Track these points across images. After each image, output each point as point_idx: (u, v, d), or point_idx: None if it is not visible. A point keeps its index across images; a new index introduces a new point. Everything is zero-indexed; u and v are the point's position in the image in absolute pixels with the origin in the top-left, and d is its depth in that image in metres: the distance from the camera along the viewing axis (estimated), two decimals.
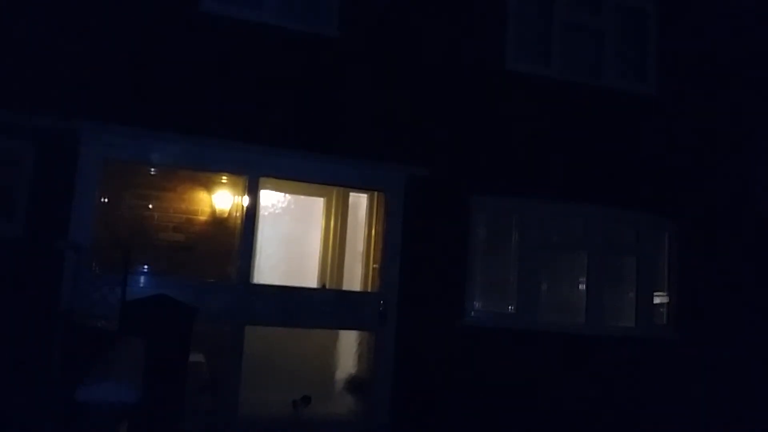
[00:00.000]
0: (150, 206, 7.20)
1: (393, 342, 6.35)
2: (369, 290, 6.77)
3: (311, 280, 7.94)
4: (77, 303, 5.23)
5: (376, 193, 6.90)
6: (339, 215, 7.92)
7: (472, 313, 6.75)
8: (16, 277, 5.36)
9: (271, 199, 8.04)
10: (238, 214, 6.85)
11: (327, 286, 7.63)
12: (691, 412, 7.02)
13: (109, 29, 5.87)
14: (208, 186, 7.39)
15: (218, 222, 7.41)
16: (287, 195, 8.20)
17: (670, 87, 7.62)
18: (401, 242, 6.48)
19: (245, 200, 6.18)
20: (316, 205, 8.25)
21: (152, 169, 7.04)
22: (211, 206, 7.42)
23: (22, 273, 5.39)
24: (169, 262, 6.97)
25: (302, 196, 8.22)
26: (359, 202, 7.58)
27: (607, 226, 7.26)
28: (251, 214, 6.17)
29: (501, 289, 7.03)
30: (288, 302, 6.20)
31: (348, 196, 7.73)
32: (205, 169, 6.69)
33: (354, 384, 6.94)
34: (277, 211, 8.22)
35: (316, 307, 6.31)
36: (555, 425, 6.66)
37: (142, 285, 5.73)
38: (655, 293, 7.46)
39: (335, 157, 6.34)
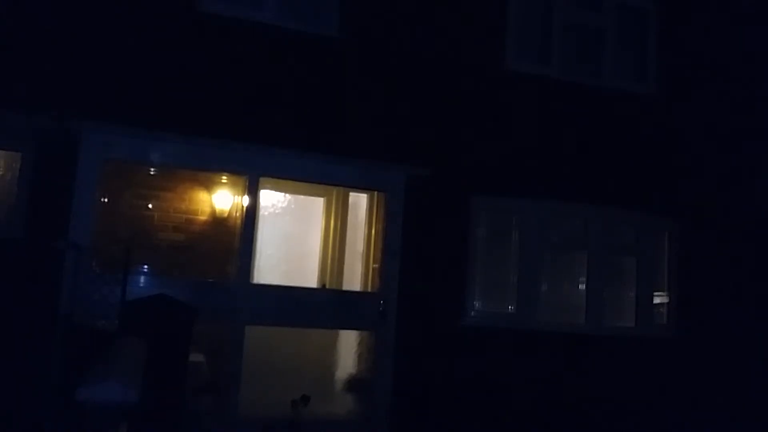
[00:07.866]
0: (150, 206, 7.19)
1: (393, 342, 6.35)
2: (369, 290, 6.76)
3: (311, 280, 7.92)
4: (77, 303, 5.23)
5: (376, 193, 6.90)
6: (339, 215, 7.91)
7: (472, 313, 6.75)
8: (16, 278, 5.35)
9: (271, 199, 8.02)
10: (238, 214, 6.85)
11: (327, 286, 7.62)
12: (691, 412, 7.02)
13: (108, 29, 5.87)
14: (208, 186, 7.39)
15: (218, 222, 7.40)
16: (287, 195, 8.18)
17: (670, 87, 7.63)
18: (401, 242, 6.48)
19: (245, 200, 6.17)
20: (316, 205, 8.23)
21: (152, 169, 7.03)
22: (211, 206, 7.41)
23: (22, 273, 5.38)
24: (169, 262, 6.96)
25: (302, 196, 8.20)
26: (359, 202, 7.58)
27: (607, 226, 7.27)
28: (251, 213, 6.17)
29: (501, 289, 7.03)
30: (288, 302, 6.20)
31: (348, 196, 7.73)
32: (205, 168, 6.69)
33: (354, 384, 6.93)
34: (277, 211, 8.20)
35: (316, 307, 6.32)
36: (555, 425, 6.67)
37: (142, 285, 5.73)
38: (655, 293, 7.47)
39: (335, 157, 6.34)
